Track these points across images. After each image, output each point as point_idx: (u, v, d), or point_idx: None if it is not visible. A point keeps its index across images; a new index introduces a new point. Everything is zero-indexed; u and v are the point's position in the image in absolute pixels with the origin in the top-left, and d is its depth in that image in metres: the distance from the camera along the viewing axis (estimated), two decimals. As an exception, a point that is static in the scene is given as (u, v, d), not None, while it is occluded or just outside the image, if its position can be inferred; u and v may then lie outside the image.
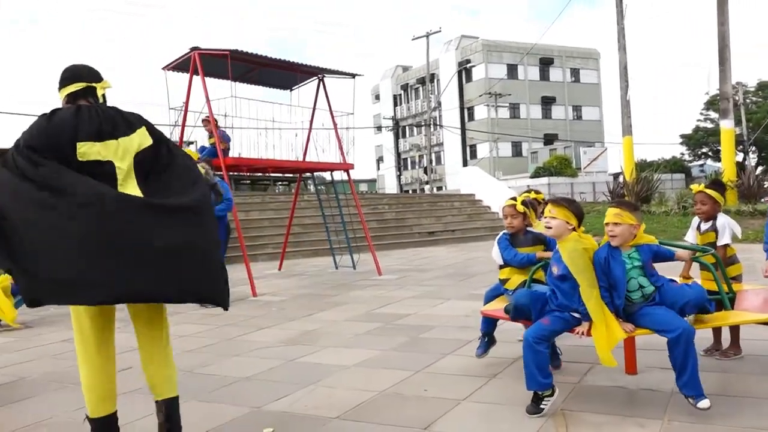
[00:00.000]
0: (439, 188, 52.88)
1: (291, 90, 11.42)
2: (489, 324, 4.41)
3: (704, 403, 3.10)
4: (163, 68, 9.94)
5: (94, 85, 2.89)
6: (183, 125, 9.69)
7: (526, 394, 3.63)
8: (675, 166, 44.59)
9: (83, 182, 2.56)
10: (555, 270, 3.50)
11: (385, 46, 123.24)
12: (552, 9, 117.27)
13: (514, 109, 55.72)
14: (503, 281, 4.36)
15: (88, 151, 2.65)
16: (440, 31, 40.05)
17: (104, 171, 2.67)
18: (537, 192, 4.93)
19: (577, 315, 3.42)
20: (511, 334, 5.01)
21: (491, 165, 47.79)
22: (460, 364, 4.55)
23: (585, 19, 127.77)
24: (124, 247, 2.52)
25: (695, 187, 4.44)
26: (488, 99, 51.42)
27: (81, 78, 2.87)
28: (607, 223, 3.41)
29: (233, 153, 10.45)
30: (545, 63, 57.22)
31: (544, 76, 57.80)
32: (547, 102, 57.58)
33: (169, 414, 3.01)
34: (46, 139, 2.60)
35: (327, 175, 12.69)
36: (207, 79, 9.40)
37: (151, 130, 2.89)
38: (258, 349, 5.32)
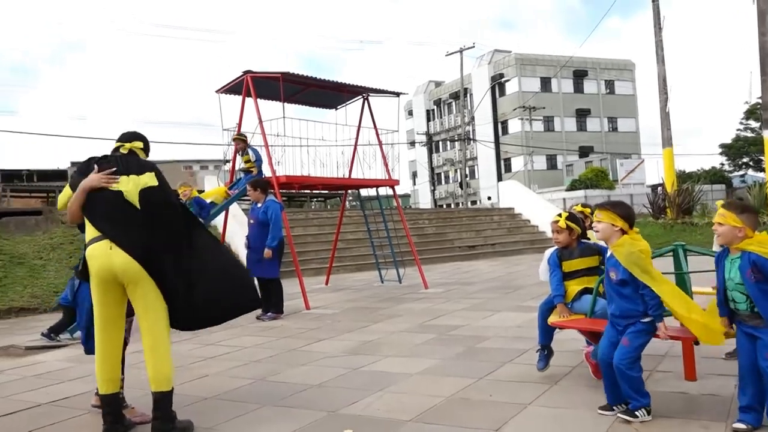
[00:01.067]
0: (474, 202, 52.87)
1: (336, 109, 11.77)
2: (546, 336, 4.54)
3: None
4: (217, 91, 10.38)
5: (124, 143, 4.02)
6: (236, 145, 10.07)
7: (590, 398, 3.82)
8: (715, 176, 43.86)
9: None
10: (613, 275, 3.56)
11: (418, 63, 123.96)
12: (585, 21, 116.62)
13: (548, 122, 55.54)
14: None
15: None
16: (474, 47, 40.56)
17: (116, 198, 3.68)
18: (585, 206, 5.10)
19: (646, 320, 3.46)
20: (568, 344, 5.18)
21: (526, 178, 47.65)
22: (519, 371, 4.73)
23: (619, 30, 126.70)
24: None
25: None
26: (522, 112, 51.39)
27: (118, 140, 4.05)
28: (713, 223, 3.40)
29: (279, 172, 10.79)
30: (579, 75, 56.99)
31: (579, 88, 57.53)
32: (582, 114, 57.26)
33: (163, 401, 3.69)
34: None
35: (367, 191, 12.95)
36: (259, 100, 9.79)
37: (160, 177, 3.87)
38: (322, 359, 5.58)
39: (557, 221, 4.44)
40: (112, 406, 3.74)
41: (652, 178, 42.70)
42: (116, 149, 4.02)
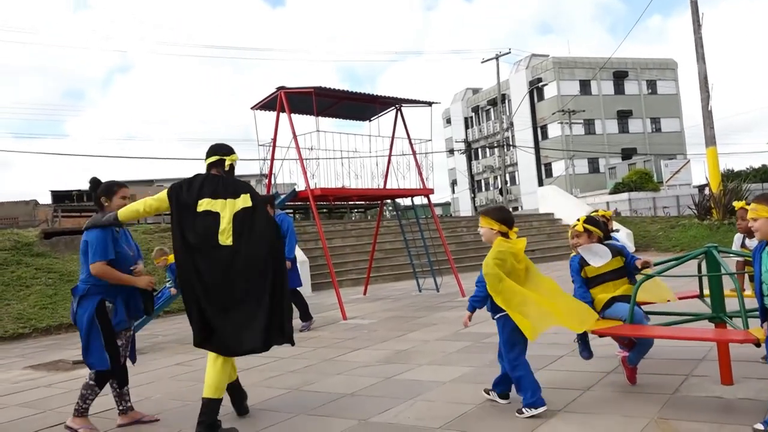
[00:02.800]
0: (515, 208, 52.38)
1: (370, 120, 11.87)
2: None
3: None
4: (252, 107, 10.60)
5: (224, 157, 4.20)
6: (272, 159, 10.28)
7: (622, 405, 3.78)
8: (766, 174, 42.49)
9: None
10: None
11: (455, 71, 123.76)
12: (625, 22, 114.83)
13: (588, 125, 54.72)
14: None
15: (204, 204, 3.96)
16: (509, 52, 40.08)
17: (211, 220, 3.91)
18: (604, 211, 5.07)
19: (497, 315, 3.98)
20: (602, 350, 5.10)
21: (567, 183, 47.01)
22: (552, 378, 4.69)
23: (661, 30, 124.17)
24: None
25: (738, 204, 4.52)
26: (561, 116, 50.77)
27: (215, 153, 4.22)
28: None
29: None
30: (619, 76, 56.05)
31: (619, 89, 56.55)
32: (624, 116, 56.24)
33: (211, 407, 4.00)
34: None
35: (403, 201, 13.00)
36: (292, 114, 9.96)
37: (255, 198, 4.08)
38: (357, 368, 5.63)
39: (575, 225, 4.44)
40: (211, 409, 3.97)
41: (698, 178, 41.64)
42: (217, 163, 4.17)
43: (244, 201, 3.99)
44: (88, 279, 4.15)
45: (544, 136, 56.06)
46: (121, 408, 4.42)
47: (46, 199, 49.22)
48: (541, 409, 3.75)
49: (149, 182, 61.65)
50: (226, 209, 3.92)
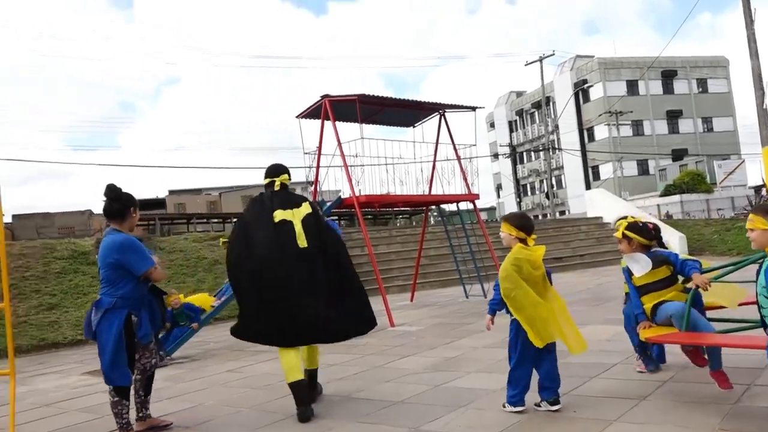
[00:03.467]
0: (562, 212, 51.53)
1: (414, 127, 11.88)
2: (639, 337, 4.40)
3: None
4: (297, 116, 10.74)
5: (275, 179, 4.85)
6: (317, 167, 10.39)
7: (679, 415, 3.66)
8: (826, 174, 40.76)
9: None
10: None
11: (500, 74, 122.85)
12: (671, 20, 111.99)
13: (637, 126, 53.52)
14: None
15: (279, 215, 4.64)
16: (553, 54, 39.55)
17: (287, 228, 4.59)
18: (633, 217, 4.98)
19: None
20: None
21: (616, 185, 46.04)
22: (606, 386, 4.59)
23: (711, 27, 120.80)
24: None
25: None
26: (608, 118, 49.78)
27: (268, 175, 4.89)
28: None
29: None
30: (668, 76, 54.68)
31: (668, 89, 55.16)
32: (673, 116, 54.82)
33: (311, 376, 4.88)
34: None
35: (448, 206, 12.94)
36: (337, 122, 10.05)
37: (312, 204, 4.82)
38: (406, 375, 5.62)
39: (616, 229, 4.41)
40: (301, 392, 4.49)
41: (754, 179, 40.26)
42: (269, 184, 4.86)
43: (306, 208, 4.69)
44: (117, 292, 4.17)
45: (591, 138, 55.07)
46: (140, 415, 4.48)
47: (100, 208, 50.76)
48: (518, 408, 4.03)
49: (197, 191, 63.09)
50: (295, 217, 4.61)
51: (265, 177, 4.92)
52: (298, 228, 4.55)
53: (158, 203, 54.33)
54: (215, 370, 6.92)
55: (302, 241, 4.52)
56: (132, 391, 4.37)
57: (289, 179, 4.92)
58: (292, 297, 4.40)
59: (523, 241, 4.10)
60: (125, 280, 4.19)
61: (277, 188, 4.82)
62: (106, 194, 4.36)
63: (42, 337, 10.63)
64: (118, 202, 4.36)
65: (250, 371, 6.65)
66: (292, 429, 4.29)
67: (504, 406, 4.14)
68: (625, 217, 4.92)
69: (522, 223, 4.16)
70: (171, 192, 61.56)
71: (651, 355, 4.68)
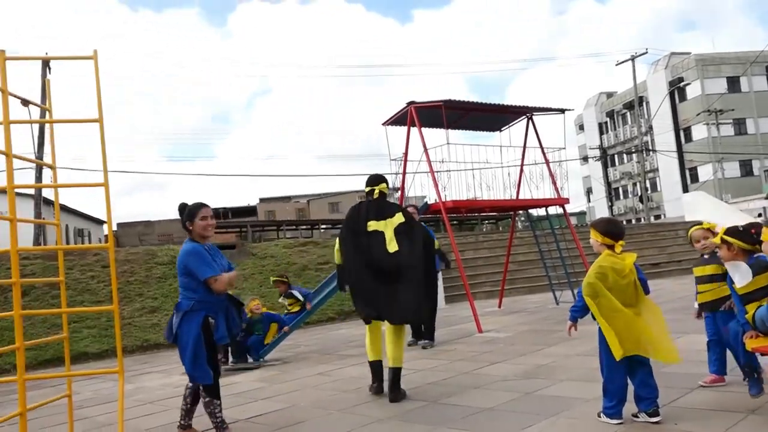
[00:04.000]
0: (657, 217, 49.36)
1: (500, 131, 11.74)
2: (746, 355, 4.14)
3: None
4: (383, 123, 10.86)
5: (375, 187, 5.53)
6: (404, 173, 10.45)
7: (793, 429, 3.43)
8: None
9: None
10: None
11: (587, 76, 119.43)
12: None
13: (739, 124, 50.53)
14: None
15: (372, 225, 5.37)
16: (646, 53, 38.04)
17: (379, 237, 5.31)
18: (708, 223, 4.81)
19: None
20: None
21: (716, 188, 43.64)
22: (709, 398, 4.37)
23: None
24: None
25: None
26: (707, 117, 47.31)
27: (369, 184, 5.58)
28: None
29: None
30: (774, 71, 51.35)
31: (774, 85, 51.77)
32: (780, 113, 51.37)
33: (395, 375, 5.27)
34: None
35: (536, 211, 12.67)
36: (423, 128, 10.08)
37: (406, 214, 5.45)
38: (495, 382, 5.55)
39: (704, 230, 4.42)
40: (377, 370, 5.49)
41: None
42: (370, 192, 5.54)
43: (399, 218, 5.36)
44: (192, 295, 4.34)
45: (688, 138, 52.48)
46: (182, 423, 4.58)
47: (196, 217, 53.00)
48: (615, 421, 3.89)
49: (287, 198, 64.86)
50: (387, 227, 5.30)
51: (366, 186, 5.58)
52: (389, 235, 5.26)
53: (250, 211, 56.26)
54: (307, 372, 7.09)
55: (392, 247, 5.22)
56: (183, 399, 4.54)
57: (388, 188, 5.55)
58: (383, 287, 5.20)
59: (611, 247, 3.98)
60: (199, 285, 4.35)
61: (375, 196, 5.50)
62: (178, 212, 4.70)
63: (145, 338, 11.24)
64: (181, 217, 4.64)
65: (339, 374, 6.77)
66: (382, 431, 4.33)
67: (599, 416, 4.03)
68: (700, 223, 4.74)
69: (608, 228, 4.07)
70: (261, 200, 63.59)
71: (760, 376, 4.32)
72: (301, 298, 8.61)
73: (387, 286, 5.18)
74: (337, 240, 5.68)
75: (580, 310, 4.11)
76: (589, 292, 3.92)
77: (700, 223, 4.84)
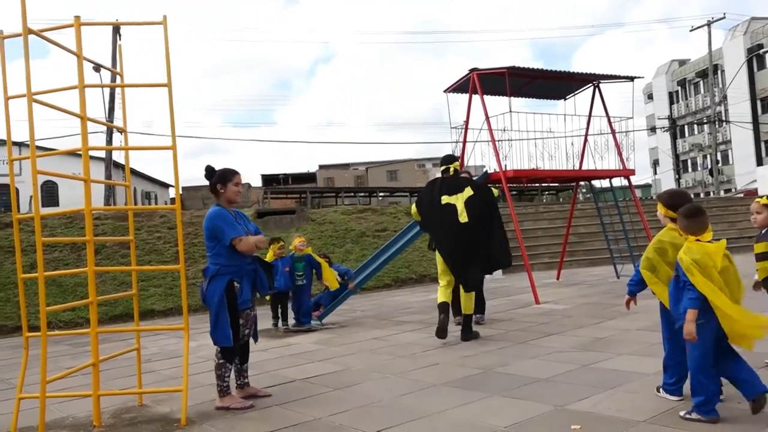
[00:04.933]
0: (728, 191, 47.36)
1: (565, 99, 11.44)
2: None
3: None
4: (445, 91, 10.72)
5: (449, 165, 6.59)
6: (464, 142, 10.34)
7: None
8: None
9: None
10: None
11: (659, 42, 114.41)
12: None
13: (822, 94, 47.61)
14: None
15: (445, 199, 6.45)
16: (724, 17, 36.18)
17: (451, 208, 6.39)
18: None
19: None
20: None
21: (794, 161, 41.45)
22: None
23: None
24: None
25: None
26: (788, 86, 44.76)
27: (443, 163, 6.68)
28: None
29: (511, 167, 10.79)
30: None
31: None
32: None
33: (467, 319, 6.54)
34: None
35: (599, 183, 12.34)
36: (485, 96, 9.91)
37: (474, 187, 6.51)
38: (552, 353, 5.51)
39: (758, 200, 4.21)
40: (443, 310, 6.38)
41: None
42: (445, 170, 6.56)
43: (468, 192, 6.38)
44: (218, 260, 4.39)
45: (765, 109, 49.82)
46: (238, 383, 4.66)
47: (257, 182, 54.17)
48: (675, 398, 3.79)
49: (345, 166, 65.31)
50: (459, 200, 6.33)
51: (441, 164, 6.66)
52: (460, 207, 6.29)
53: (309, 177, 56.96)
54: (363, 336, 7.21)
55: (463, 218, 6.27)
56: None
57: (461, 166, 6.79)
58: (458, 253, 6.39)
59: (674, 220, 3.81)
60: (223, 248, 4.40)
61: (451, 173, 6.54)
62: (205, 175, 4.64)
63: (208, 298, 11.62)
64: (209, 180, 4.61)
65: (395, 340, 6.85)
66: (437, 396, 4.38)
67: (658, 391, 3.97)
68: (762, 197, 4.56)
69: (671, 201, 3.91)
70: (321, 167, 64.27)
71: None
72: (339, 278, 8.40)
73: (460, 256, 6.34)
74: (414, 204, 6.82)
75: (636, 284, 4.04)
76: (646, 266, 3.84)
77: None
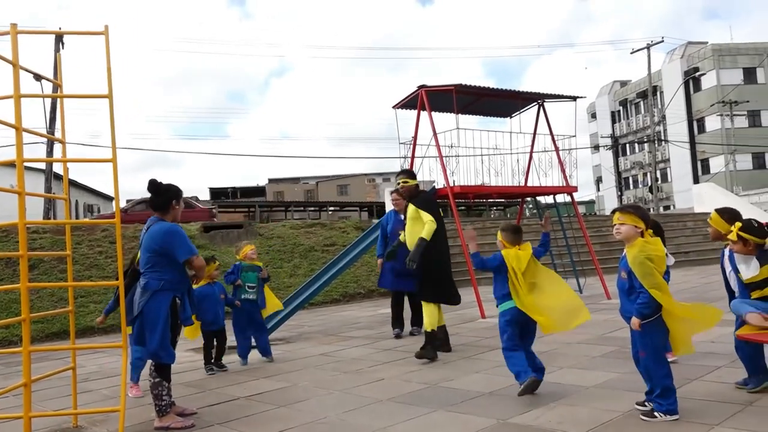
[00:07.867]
0: (666, 207, 49.11)
1: (511, 117, 11.67)
2: (750, 351, 4.20)
3: None
4: (394, 107, 10.80)
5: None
6: (413, 157, 10.43)
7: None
8: None
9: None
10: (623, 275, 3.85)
11: (604, 64, 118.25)
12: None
13: (753, 117, 49.96)
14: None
15: None
16: (662, 41, 37.62)
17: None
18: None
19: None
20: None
21: (728, 180, 43.29)
22: (707, 389, 4.38)
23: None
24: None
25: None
26: (721, 108, 46.80)
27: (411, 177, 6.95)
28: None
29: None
30: (791, 63, 50.61)
31: (791, 77, 51.05)
32: (796, 106, 50.70)
33: (444, 329, 6.57)
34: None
35: (543, 199, 12.61)
36: (433, 112, 10.03)
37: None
38: (496, 367, 5.57)
39: (729, 232, 4.16)
40: (432, 338, 6.19)
41: None
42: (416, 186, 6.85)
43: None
44: (163, 275, 4.35)
45: (701, 129, 51.99)
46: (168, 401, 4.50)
47: (205, 195, 53.26)
48: (673, 417, 3.76)
49: (296, 180, 64.92)
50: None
51: (410, 178, 6.93)
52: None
53: (259, 191, 56.38)
54: (309, 352, 7.15)
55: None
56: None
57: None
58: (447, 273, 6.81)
59: (642, 234, 3.78)
60: (170, 265, 4.37)
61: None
62: (148, 189, 4.54)
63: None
64: (159, 196, 4.53)
65: (341, 355, 6.82)
66: (381, 412, 4.37)
67: (651, 416, 3.76)
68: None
69: (643, 213, 3.86)
70: (271, 180, 63.70)
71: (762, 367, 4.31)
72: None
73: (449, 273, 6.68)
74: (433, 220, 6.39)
75: (648, 306, 3.78)
76: (650, 282, 3.70)
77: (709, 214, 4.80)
